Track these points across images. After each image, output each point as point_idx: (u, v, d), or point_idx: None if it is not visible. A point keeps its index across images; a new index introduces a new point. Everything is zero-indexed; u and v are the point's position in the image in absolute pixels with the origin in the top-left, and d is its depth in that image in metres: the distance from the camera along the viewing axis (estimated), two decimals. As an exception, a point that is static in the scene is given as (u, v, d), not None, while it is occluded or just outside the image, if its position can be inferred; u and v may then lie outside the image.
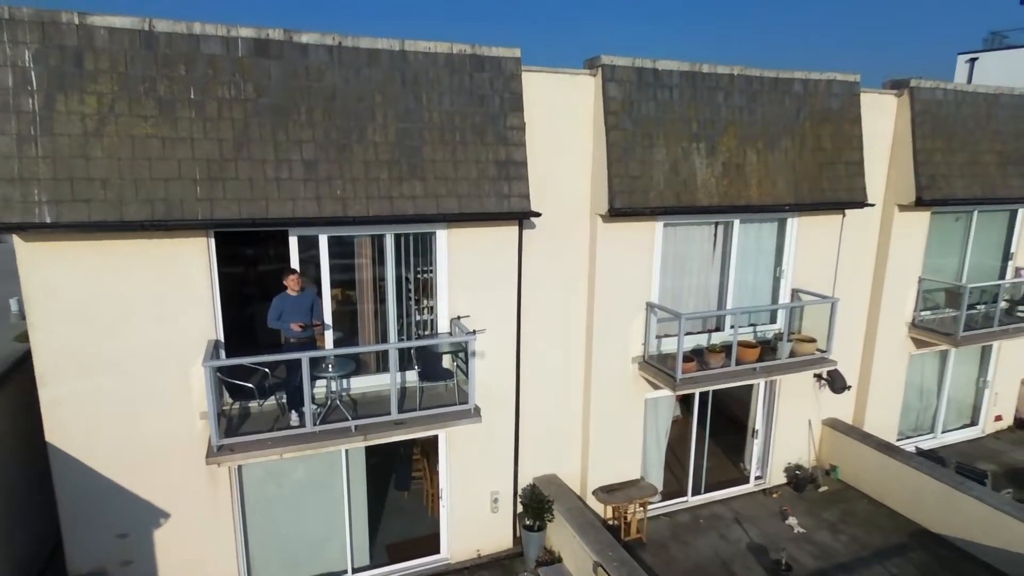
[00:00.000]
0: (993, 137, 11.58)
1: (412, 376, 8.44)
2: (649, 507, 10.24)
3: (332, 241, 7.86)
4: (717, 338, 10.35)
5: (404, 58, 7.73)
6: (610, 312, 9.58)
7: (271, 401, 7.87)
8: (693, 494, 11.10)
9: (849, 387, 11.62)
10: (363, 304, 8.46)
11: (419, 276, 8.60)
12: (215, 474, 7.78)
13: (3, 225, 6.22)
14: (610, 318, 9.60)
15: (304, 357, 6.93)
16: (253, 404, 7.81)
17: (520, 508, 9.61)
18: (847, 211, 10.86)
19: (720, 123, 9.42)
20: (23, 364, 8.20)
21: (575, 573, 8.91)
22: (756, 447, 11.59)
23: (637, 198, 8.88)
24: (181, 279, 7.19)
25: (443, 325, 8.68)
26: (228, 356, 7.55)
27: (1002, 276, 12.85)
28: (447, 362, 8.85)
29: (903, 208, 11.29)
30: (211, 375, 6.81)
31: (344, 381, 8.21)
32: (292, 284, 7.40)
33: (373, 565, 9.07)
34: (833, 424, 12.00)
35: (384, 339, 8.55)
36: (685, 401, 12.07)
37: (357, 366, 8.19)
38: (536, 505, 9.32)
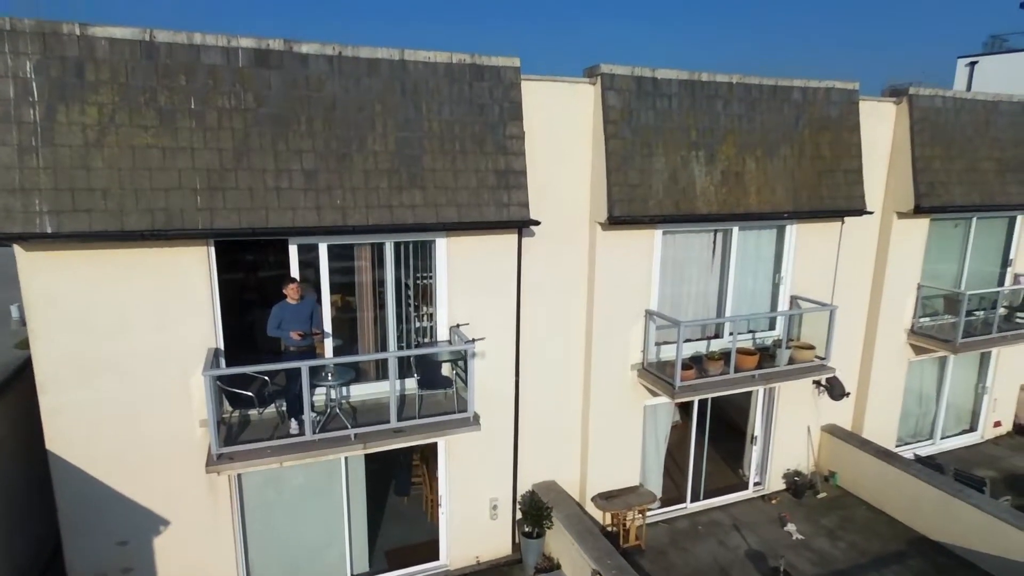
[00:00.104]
0: (992, 144, 11.60)
1: (411, 384, 8.45)
2: (648, 514, 10.26)
3: (332, 249, 7.88)
4: (716, 345, 10.38)
5: (404, 68, 7.76)
6: (609, 319, 9.60)
7: (271, 409, 7.88)
8: (692, 500, 11.12)
9: (848, 393, 11.64)
10: (363, 311, 8.48)
11: (419, 283, 8.63)
12: (215, 481, 7.81)
13: (4, 235, 6.24)
14: (609, 325, 9.63)
15: (304, 366, 6.96)
16: (253, 412, 7.83)
17: (519, 515, 9.62)
18: (846, 218, 10.89)
19: (719, 131, 9.45)
20: (24, 371, 8.25)
21: (574, 580, 8.93)
22: (755, 453, 11.61)
23: (636, 206, 8.91)
24: (181, 288, 7.22)
25: (443, 332, 8.70)
26: (228, 364, 7.59)
27: (1001, 283, 12.88)
28: (447, 370, 8.87)
29: (902, 215, 11.32)
30: (211, 384, 6.83)
31: (343, 389, 8.24)
32: (292, 293, 7.44)
33: (372, 571, 9.10)
34: (832, 430, 12.02)
35: (383, 346, 8.59)
36: (684, 407, 12.10)
37: (356, 374, 8.24)
38: (535, 512, 9.34)
